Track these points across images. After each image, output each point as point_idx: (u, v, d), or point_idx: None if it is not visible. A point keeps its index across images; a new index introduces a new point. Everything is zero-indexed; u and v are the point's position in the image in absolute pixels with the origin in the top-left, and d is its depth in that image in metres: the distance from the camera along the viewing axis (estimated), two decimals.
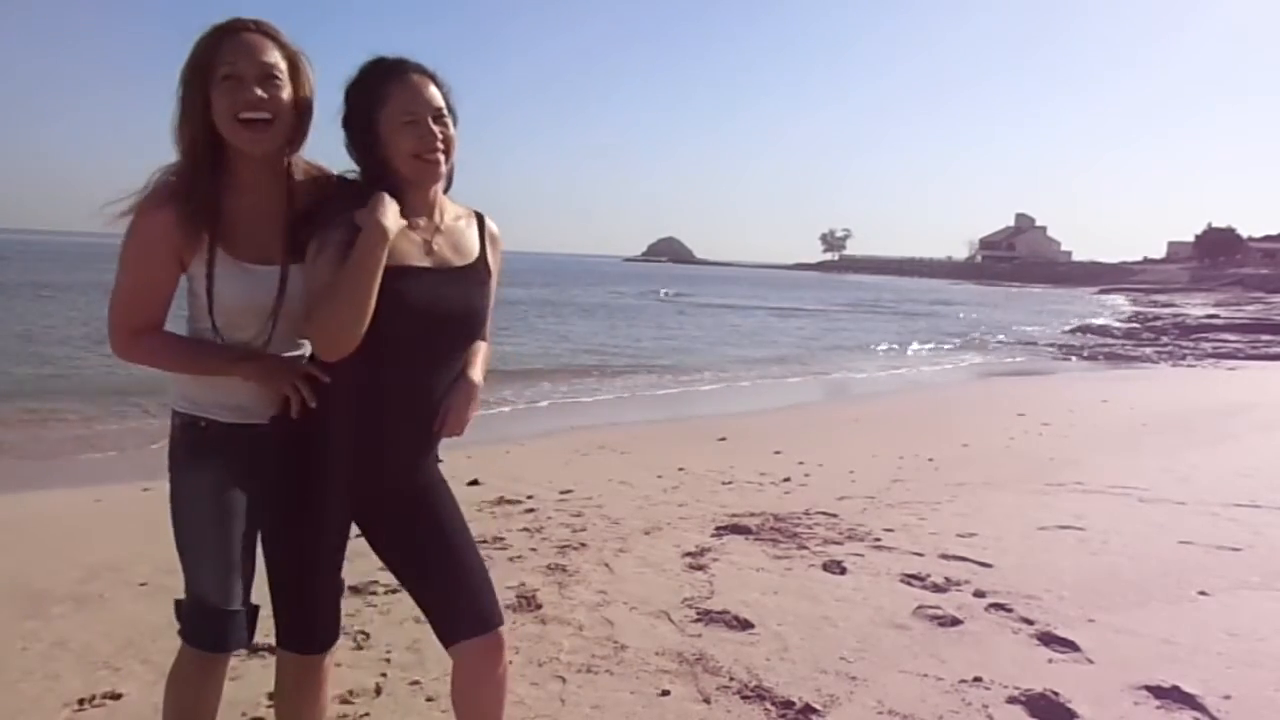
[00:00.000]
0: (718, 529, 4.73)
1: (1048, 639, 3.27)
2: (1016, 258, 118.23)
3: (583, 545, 4.40)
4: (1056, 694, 2.80)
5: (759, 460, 6.73)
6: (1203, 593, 3.83)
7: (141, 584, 3.80)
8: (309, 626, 1.99)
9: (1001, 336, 25.29)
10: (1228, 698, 2.82)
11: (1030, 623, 3.43)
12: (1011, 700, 2.79)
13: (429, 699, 2.76)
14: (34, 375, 11.91)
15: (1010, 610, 3.55)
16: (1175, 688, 2.86)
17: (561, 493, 5.55)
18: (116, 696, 2.75)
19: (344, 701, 2.60)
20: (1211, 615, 3.58)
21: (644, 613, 3.51)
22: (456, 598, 1.92)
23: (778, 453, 7.07)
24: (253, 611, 1.96)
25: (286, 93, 1.79)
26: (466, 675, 1.94)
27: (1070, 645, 3.21)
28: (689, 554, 4.28)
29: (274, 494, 1.90)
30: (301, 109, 1.84)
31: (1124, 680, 2.94)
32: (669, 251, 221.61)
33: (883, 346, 21.36)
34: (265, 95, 1.75)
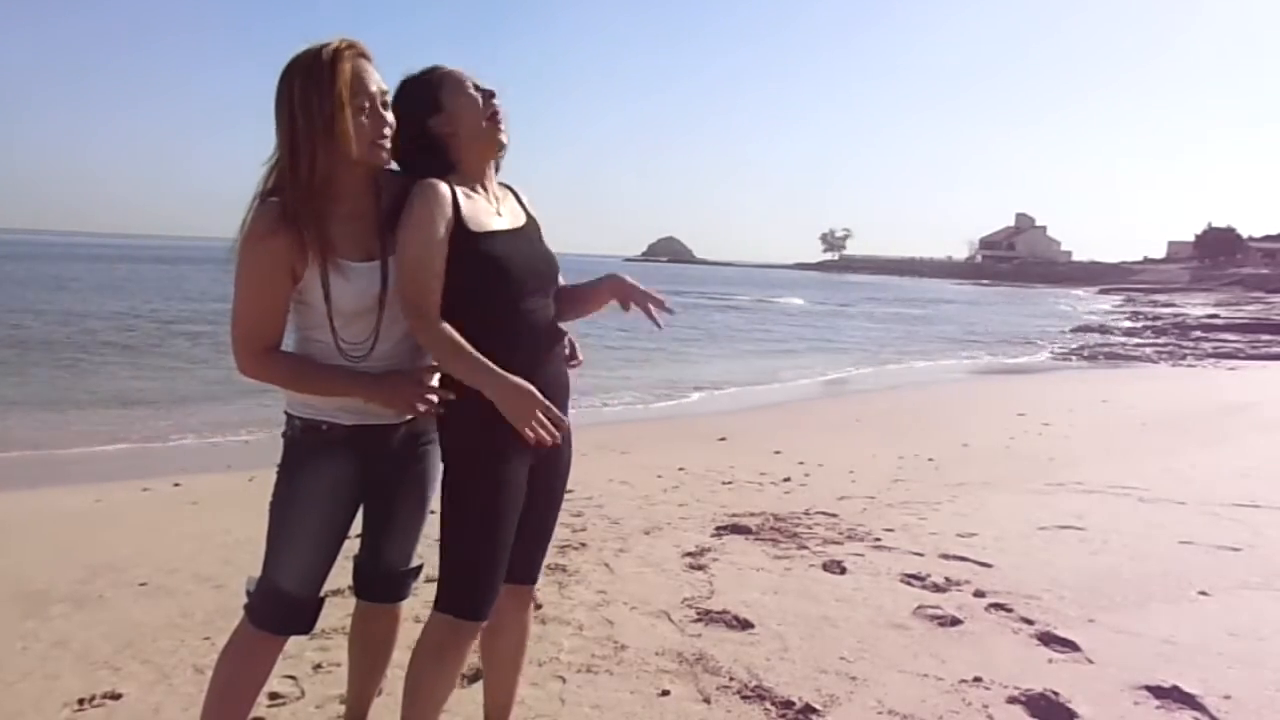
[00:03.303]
0: (718, 529, 4.73)
1: (1048, 639, 3.27)
2: (1016, 258, 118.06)
3: (583, 545, 4.39)
4: (1056, 694, 2.79)
5: (759, 460, 6.74)
6: (1203, 593, 3.83)
7: (141, 584, 3.80)
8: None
9: (1001, 336, 25.29)
10: (1228, 698, 2.82)
11: (1030, 623, 3.43)
12: (1011, 700, 2.79)
13: None
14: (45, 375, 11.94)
15: (1010, 610, 3.55)
16: (1175, 688, 2.86)
17: None
18: (116, 696, 2.74)
19: (343, 701, 2.59)
20: (1211, 615, 3.58)
21: (644, 613, 3.51)
22: (525, 547, 2.16)
23: (778, 453, 7.07)
24: (320, 604, 2.07)
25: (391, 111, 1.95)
26: (500, 613, 2.16)
27: (1070, 645, 3.21)
28: (689, 554, 4.28)
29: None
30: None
31: (1124, 680, 2.94)
32: (668, 251, 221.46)
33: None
34: (389, 120, 1.93)
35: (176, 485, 5.91)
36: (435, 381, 2.02)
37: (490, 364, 1.89)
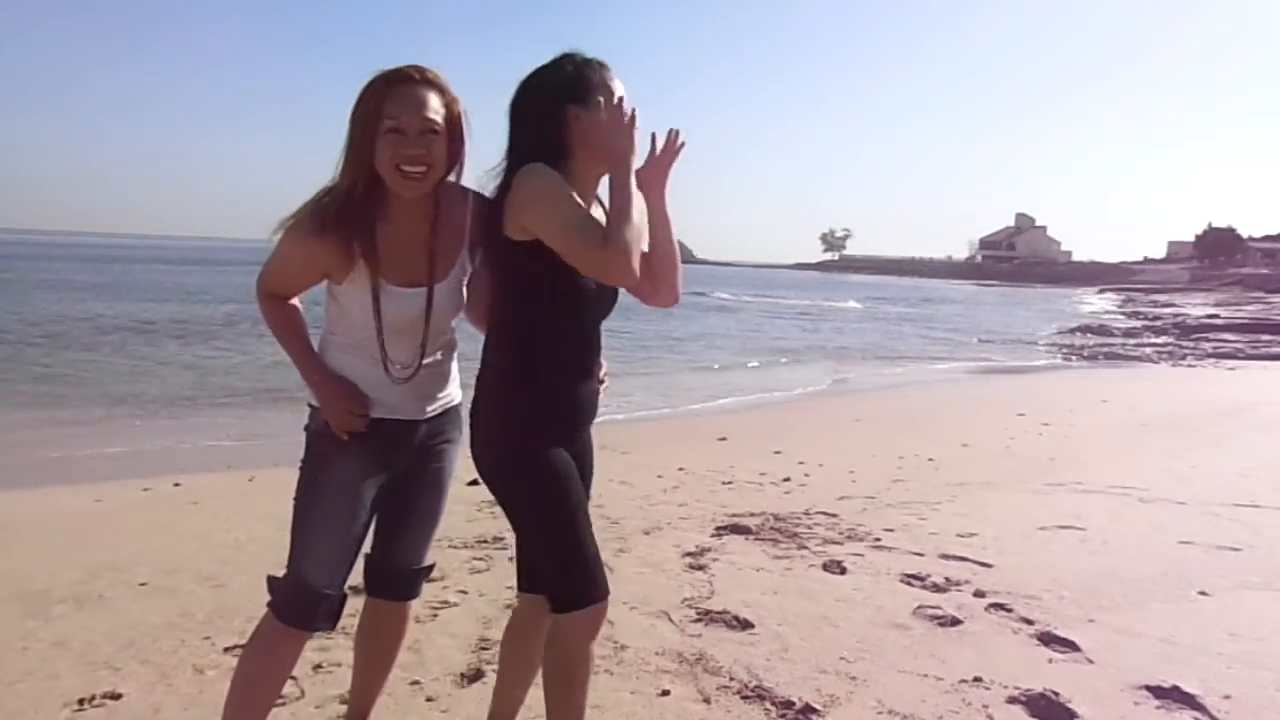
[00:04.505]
0: (718, 529, 4.73)
1: (1048, 639, 3.27)
2: (1016, 258, 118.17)
3: None
4: (1056, 694, 2.80)
5: (759, 460, 6.74)
6: (1203, 593, 3.83)
7: (141, 584, 3.80)
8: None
9: (1001, 336, 25.31)
10: (1228, 698, 2.82)
11: (1030, 623, 3.43)
12: (1011, 700, 2.79)
13: (429, 699, 2.76)
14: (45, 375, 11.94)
15: (1010, 610, 3.55)
16: (1175, 688, 2.86)
17: None
18: (116, 696, 2.74)
19: (343, 701, 2.60)
20: (1211, 615, 3.58)
21: (644, 613, 3.51)
22: None
23: (778, 453, 7.07)
24: (344, 598, 2.08)
25: (442, 142, 1.93)
26: (529, 623, 2.23)
27: (1070, 645, 3.21)
28: (689, 554, 4.28)
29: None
30: (454, 154, 1.99)
31: (1124, 680, 2.94)
32: None
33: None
34: (424, 150, 1.89)
35: (176, 485, 5.91)
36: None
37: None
